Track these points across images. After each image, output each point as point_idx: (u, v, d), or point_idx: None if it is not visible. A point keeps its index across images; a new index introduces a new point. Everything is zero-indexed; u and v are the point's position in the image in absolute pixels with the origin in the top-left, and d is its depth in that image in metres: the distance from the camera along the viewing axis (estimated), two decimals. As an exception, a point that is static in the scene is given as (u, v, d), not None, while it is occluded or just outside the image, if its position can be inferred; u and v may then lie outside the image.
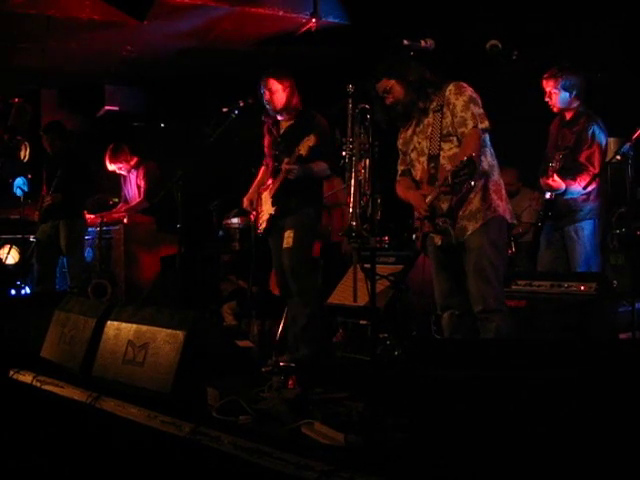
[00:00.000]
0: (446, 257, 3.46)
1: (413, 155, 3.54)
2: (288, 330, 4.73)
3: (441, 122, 3.37)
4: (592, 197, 4.51)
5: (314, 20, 6.28)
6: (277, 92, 4.46)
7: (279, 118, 4.61)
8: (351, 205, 3.46)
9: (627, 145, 3.87)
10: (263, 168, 4.85)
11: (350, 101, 3.50)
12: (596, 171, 4.30)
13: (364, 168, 3.50)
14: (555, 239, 4.65)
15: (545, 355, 2.21)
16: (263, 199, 4.64)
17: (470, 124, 3.32)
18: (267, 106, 4.50)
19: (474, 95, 3.38)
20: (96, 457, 3.26)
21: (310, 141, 4.23)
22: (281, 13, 6.35)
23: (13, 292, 6.87)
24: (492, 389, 2.10)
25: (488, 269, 3.30)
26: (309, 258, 4.66)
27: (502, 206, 3.41)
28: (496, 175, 3.44)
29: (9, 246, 7.20)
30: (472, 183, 3.24)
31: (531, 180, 5.40)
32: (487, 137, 3.43)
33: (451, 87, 3.38)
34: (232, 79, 5.51)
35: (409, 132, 3.59)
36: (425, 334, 4.92)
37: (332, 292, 5.42)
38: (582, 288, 4.08)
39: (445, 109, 3.38)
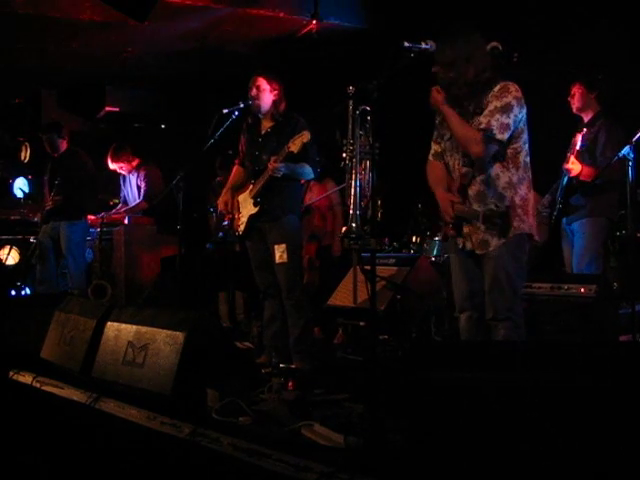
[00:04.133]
0: (467, 260, 3.36)
1: (447, 145, 3.37)
2: (265, 330, 4.68)
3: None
4: (601, 195, 4.57)
5: (315, 22, 6.28)
6: (265, 92, 4.46)
7: (261, 117, 4.59)
8: (351, 207, 3.45)
9: (627, 147, 3.88)
10: (236, 168, 4.80)
11: (351, 102, 3.49)
12: (610, 169, 4.32)
13: (365, 170, 3.49)
14: (570, 238, 4.74)
15: (546, 358, 2.21)
16: (241, 201, 4.59)
17: (482, 126, 3.14)
18: (252, 103, 4.47)
19: (513, 102, 3.15)
20: (96, 458, 3.25)
21: (304, 137, 4.17)
22: (282, 15, 6.35)
23: (13, 292, 6.88)
24: (492, 391, 2.10)
25: (503, 278, 3.21)
26: (301, 269, 4.66)
27: (527, 222, 3.25)
28: (524, 189, 3.25)
29: (9, 247, 7.21)
30: (500, 240, 3.16)
31: (536, 183, 5.41)
32: (524, 148, 3.25)
33: (498, 88, 3.17)
34: (233, 80, 5.51)
35: None
36: (425, 336, 4.92)
37: (332, 294, 5.44)
38: (582, 290, 4.08)
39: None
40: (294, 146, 4.19)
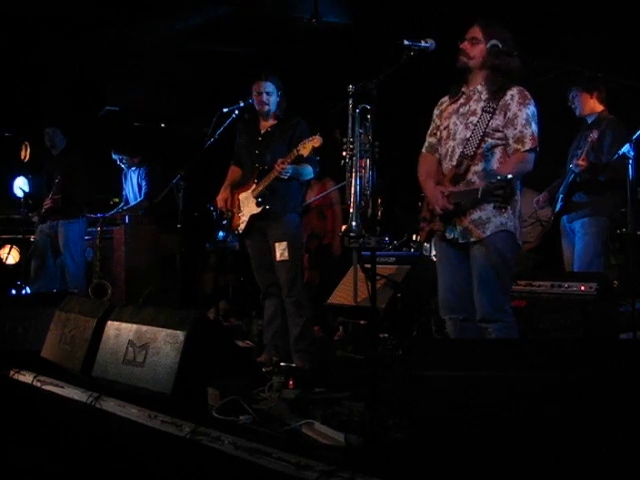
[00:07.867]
0: (453, 253, 3.34)
1: (444, 133, 3.38)
2: (265, 329, 4.69)
3: (488, 123, 3.20)
4: (604, 193, 4.57)
5: (315, 20, 6.28)
6: (273, 95, 4.50)
7: (259, 116, 4.60)
8: (351, 205, 3.44)
9: (627, 145, 3.88)
10: (233, 167, 4.80)
11: (350, 101, 3.49)
12: (615, 167, 4.31)
13: (365, 168, 3.48)
14: (571, 237, 4.74)
15: (545, 355, 2.21)
16: (242, 200, 4.59)
17: (527, 144, 3.17)
18: (261, 107, 4.49)
19: (534, 109, 3.22)
20: (97, 457, 3.25)
21: (315, 142, 4.19)
22: (282, 13, 6.36)
23: (13, 292, 6.88)
24: (492, 389, 2.10)
25: (491, 278, 3.17)
26: (302, 268, 4.67)
27: (514, 223, 3.23)
28: (516, 190, 3.26)
29: (9, 246, 7.20)
30: (502, 210, 3.07)
31: (532, 181, 5.41)
32: None
33: (515, 93, 3.21)
34: (232, 79, 5.52)
35: (451, 107, 3.39)
36: (426, 334, 4.92)
37: (332, 292, 5.44)
38: (582, 288, 4.08)
39: (499, 113, 3.20)
40: (305, 150, 4.22)
